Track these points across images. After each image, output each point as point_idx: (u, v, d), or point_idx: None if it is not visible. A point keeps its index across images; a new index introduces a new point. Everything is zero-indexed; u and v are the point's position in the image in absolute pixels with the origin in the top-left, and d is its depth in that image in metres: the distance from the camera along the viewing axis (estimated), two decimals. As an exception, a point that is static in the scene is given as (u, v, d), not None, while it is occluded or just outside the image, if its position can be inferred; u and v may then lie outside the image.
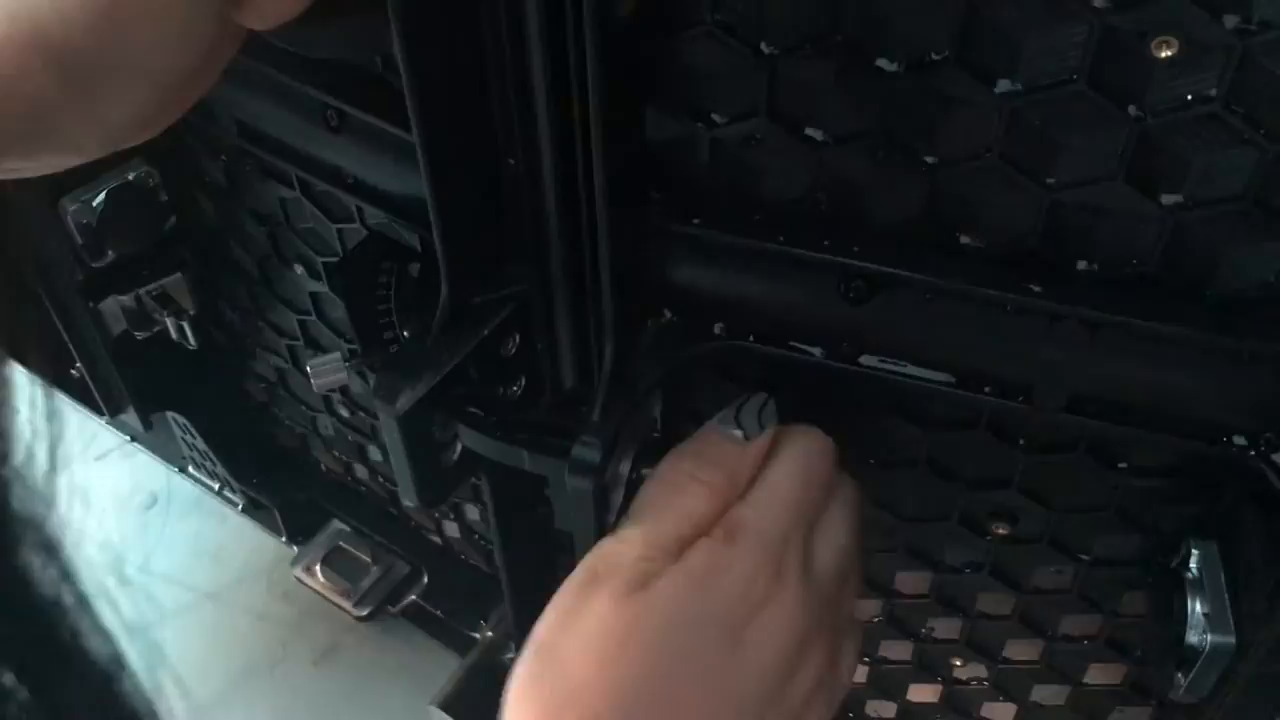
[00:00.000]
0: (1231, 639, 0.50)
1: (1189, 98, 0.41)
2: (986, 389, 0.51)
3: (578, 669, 0.46)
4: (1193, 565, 0.53)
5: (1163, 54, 0.40)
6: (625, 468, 0.52)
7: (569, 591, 0.48)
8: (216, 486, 1.12)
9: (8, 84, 0.41)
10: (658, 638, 0.47)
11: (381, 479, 1.00)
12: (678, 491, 0.51)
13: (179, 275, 0.86)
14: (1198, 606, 0.52)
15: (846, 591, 0.54)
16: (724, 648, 0.47)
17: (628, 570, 0.48)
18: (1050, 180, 0.45)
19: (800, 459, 0.53)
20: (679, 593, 0.47)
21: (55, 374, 1.05)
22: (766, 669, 0.48)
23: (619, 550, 0.49)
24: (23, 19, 0.40)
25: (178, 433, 1.07)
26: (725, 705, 0.47)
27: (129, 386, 0.94)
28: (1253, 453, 0.48)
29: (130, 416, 0.98)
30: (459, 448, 0.57)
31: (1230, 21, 0.38)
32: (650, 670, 0.46)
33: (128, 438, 1.15)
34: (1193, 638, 0.52)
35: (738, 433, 0.52)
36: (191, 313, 0.89)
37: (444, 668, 0.92)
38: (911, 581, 0.68)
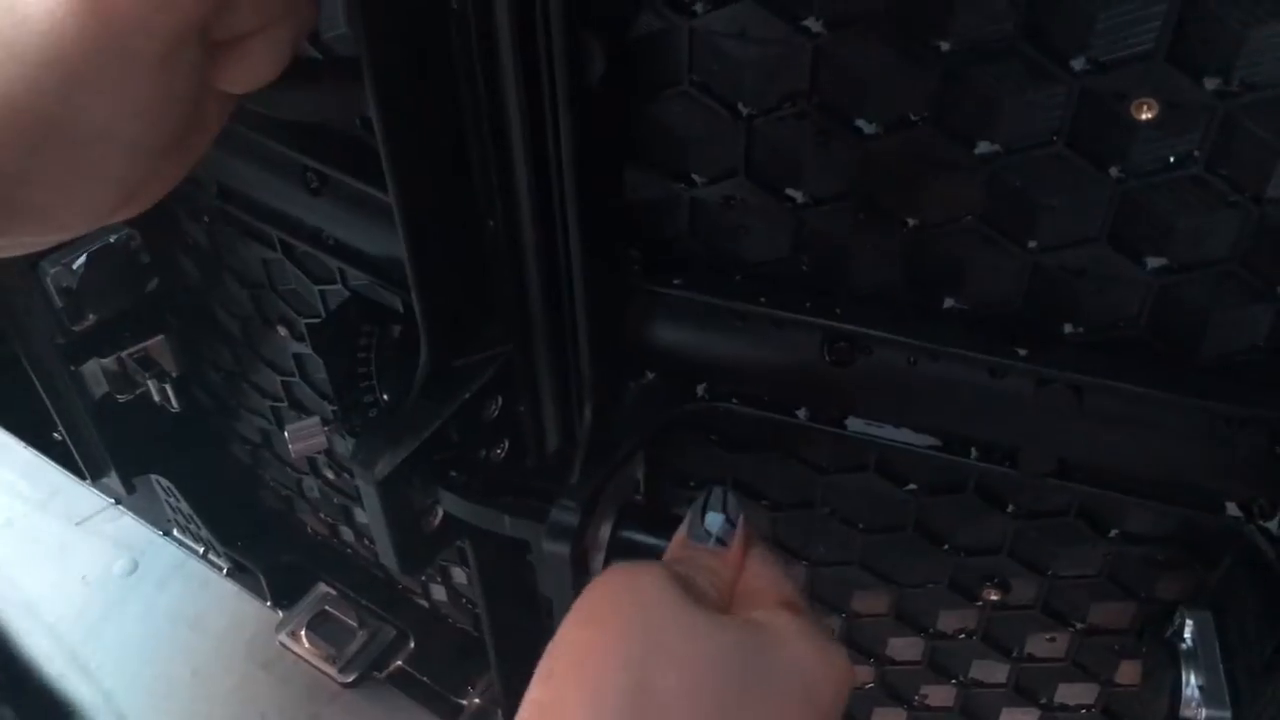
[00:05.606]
0: (1227, 713, 0.49)
1: (1171, 160, 0.40)
2: (973, 453, 0.50)
3: None
4: (1187, 635, 0.52)
5: (1143, 116, 0.39)
6: (605, 531, 0.51)
7: None
8: (201, 550, 1.10)
9: None
10: None
11: (368, 541, 0.98)
12: None
13: (161, 337, 0.85)
14: (1192, 678, 0.50)
15: None
16: None
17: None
18: (1032, 243, 0.45)
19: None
20: None
21: (37, 438, 1.04)
22: None
23: None
24: None
25: (161, 495, 1.05)
26: None
27: (111, 450, 0.93)
28: (1244, 520, 0.47)
29: (113, 480, 0.97)
30: (440, 513, 0.55)
31: (1211, 84, 0.38)
32: None
33: (112, 501, 1.14)
34: (1188, 711, 0.50)
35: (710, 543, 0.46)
36: (174, 375, 0.88)
37: (430, 736, 0.91)
38: (903, 647, 0.66)
